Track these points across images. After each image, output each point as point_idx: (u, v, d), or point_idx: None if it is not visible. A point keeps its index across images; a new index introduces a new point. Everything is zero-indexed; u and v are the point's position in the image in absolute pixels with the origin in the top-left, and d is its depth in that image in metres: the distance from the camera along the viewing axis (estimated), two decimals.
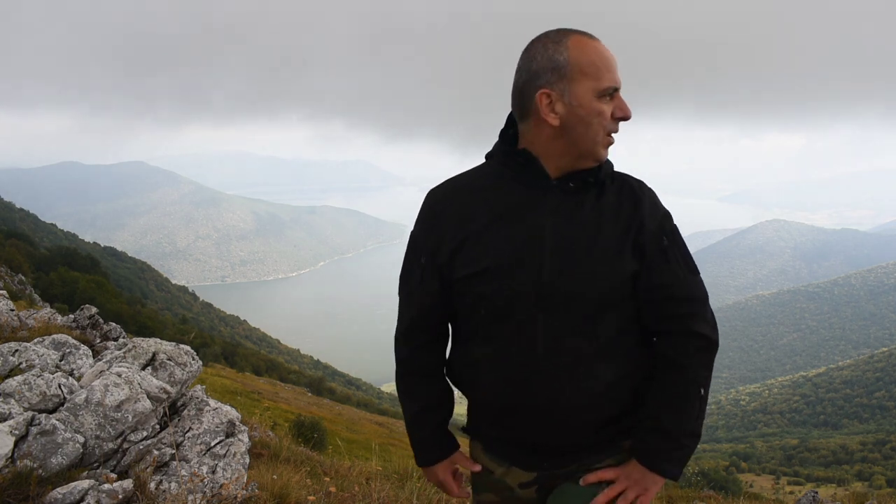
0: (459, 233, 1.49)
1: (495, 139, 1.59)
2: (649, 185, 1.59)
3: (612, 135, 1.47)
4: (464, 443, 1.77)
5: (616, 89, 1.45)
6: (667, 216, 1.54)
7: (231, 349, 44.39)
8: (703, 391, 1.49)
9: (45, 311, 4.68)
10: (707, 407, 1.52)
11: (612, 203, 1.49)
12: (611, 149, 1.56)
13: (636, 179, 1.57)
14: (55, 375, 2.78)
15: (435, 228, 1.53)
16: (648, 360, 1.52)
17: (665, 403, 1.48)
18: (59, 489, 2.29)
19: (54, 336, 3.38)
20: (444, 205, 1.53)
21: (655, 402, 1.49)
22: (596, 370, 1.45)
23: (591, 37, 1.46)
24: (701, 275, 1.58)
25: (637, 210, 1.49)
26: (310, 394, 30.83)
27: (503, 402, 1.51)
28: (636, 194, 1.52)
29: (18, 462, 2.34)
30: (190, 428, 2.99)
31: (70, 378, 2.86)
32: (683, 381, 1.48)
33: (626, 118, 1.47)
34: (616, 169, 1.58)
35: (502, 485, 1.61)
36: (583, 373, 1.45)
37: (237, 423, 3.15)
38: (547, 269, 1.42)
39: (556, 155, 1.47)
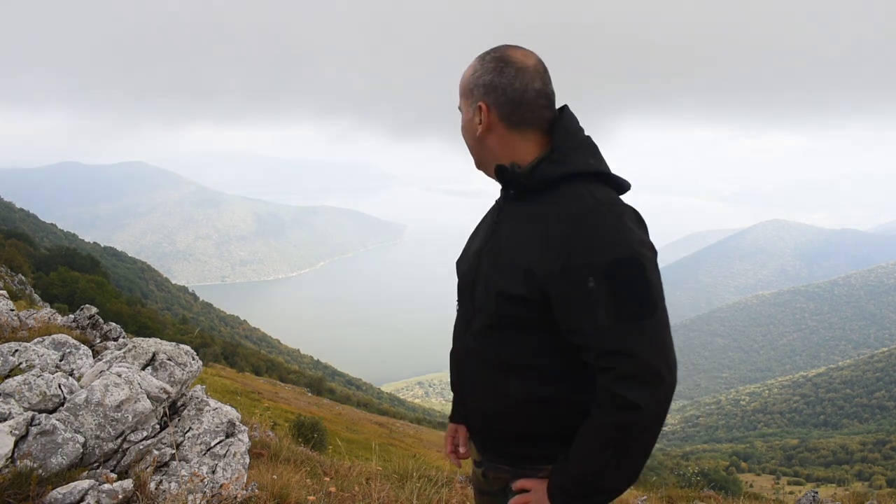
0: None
1: None
2: (604, 212, 1.35)
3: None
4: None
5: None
6: (604, 252, 1.32)
7: (231, 349, 44.38)
8: (609, 452, 1.33)
9: (45, 311, 4.67)
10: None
11: (528, 219, 1.46)
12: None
13: (588, 202, 1.38)
14: (55, 375, 2.78)
15: None
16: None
17: (575, 445, 1.39)
18: (59, 489, 2.28)
19: (54, 336, 3.38)
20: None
21: (575, 439, 1.41)
22: (505, 384, 1.49)
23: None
24: (653, 318, 1.32)
25: (542, 236, 1.40)
26: (310, 394, 30.83)
27: (452, 389, 1.72)
28: (557, 219, 1.39)
29: (18, 462, 2.34)
30: (190, 428, 2.98)
31: (70, 378, 2.86)
32: (590, 432, 1.36)
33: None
34: (565, 175, 1.46)
35: (473, 455, 1.76)
36: (491, 383, 1.52)
37: (237, 423, 3.15)
38: (469, 277, 1.58)
39: None
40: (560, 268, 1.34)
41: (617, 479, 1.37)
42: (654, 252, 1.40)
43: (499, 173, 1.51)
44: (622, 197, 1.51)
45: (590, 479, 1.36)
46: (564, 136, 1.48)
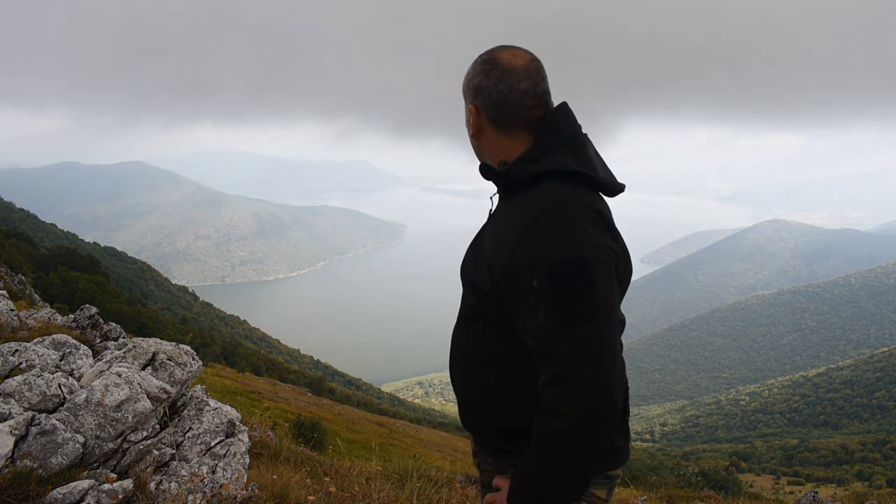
0: None
1: None
2: (558, 212, 1.33)
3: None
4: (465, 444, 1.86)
5: None
6: (550, 252, 1.30)
7: (231, 349, 44.37)
8: (545, 458, 1.29)
9: (45, 311, 4.67)
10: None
11: (504, 217, 1.49)
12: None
13: (546, 202, 1.36)
14: (55, 375, 2.78)
15: None
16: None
17: (528, 449, 1.36)
18: (59, 489, 2.28)
19: (54, 336, 3.38)
20: None
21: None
22: (484, 374, 1.52)
23: None
24: (593, 323, 1.26)
25: (502, 234, 1.42)
26: (310, 394, 30.81)
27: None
28: (517, 217, 1.40)
29: (18, 462, 2.34)
30: (190, 428, 2.98)
31: (70, 378, 2.86)
32: (533, 436, 1.34)
33: None
34: (545, 175, 1.44)
35: (471, 445, 1.80)
36: (474, 373, 1.55)
37: (237, 423, 3.14)
38: (461, 269, 1.62)
39: None
40: (510, 266, 1.36)
41: (553, 488, 1.31)
42: (615, 256, 1.36)
43: (482, 172, 1.56)
44: (614, 199, 1.51)
45: (531, 483, 1.33)
46: (546, 134, 1.47)
